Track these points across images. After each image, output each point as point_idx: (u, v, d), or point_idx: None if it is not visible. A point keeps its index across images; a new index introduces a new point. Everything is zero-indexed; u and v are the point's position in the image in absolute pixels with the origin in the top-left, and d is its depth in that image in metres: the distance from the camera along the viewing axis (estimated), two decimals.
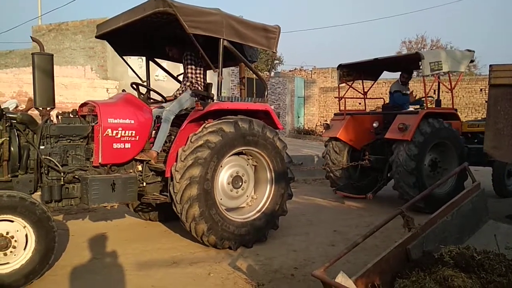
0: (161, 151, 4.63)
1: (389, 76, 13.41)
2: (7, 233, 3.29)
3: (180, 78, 5.57)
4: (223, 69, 4.64)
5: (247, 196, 4.88)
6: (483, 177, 5.97)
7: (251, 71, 5.76)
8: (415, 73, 12.15)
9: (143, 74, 5.54)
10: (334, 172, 7.67)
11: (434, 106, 7.51)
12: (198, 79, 5.09)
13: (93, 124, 4.23)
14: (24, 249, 3.36)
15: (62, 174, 4.01)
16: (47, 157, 3.97)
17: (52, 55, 3.97)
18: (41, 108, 3.98)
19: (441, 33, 69.96)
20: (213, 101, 4.61)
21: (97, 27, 5.11)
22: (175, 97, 4.98)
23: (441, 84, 7.39)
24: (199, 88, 5.07)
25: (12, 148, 3.72)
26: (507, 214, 5.78)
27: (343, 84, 8.18)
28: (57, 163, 3.99)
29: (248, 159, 4.83)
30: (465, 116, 17.45)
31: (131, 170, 4.51)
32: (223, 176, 4.62)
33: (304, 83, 23.87)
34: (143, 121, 4.50)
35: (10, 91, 11.72)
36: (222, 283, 3.57)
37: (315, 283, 3.07)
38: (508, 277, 2.37)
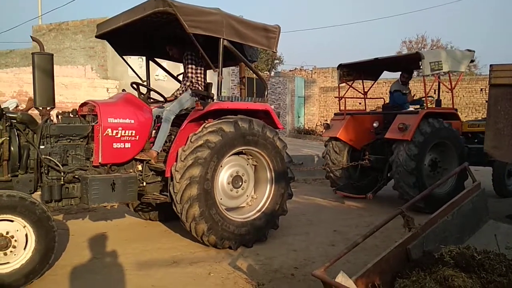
0: (161, 151, 4.64)
1: (389, 76, 13.42)
2: (7, 232, 3.29)
3: (180, 77, 5.57)
4: (223, 68, 4.63)
5: (247, 195, 4.88)
6: (483, 177, 5.97)
7: (251, 71, 5.75)
8: (415, 73, 12.14)
9: (143, 73, 5.54)
10: (334, 172, 7.67)
11: (434, 106, 7.51)
12: (198, 78, 5.09)
13: (93, 123, 4.23)
14: (24, 248, 3.36)
15: (62, 173, 4.01)
16: (47, 156, 3.97)
17: (52, 54, 3.96)
18: (41, 108, 3.97)
19: (441, 33, 69.92)
20: (213, 100, 4.61)
21: (97, 27, 5.11)
22: (175, 97, 4.98)
23: (441, 84, 7.38)
24: (199, 87, 5.06)
25: (12, 148, 3.72)
26: (507, 214, 5.78)
27: (343, 84, 8.17)
28: (57, 163, 3.99)
29: (248, 159, 4.83)
30: (465, 116, 17.45)
31: (131, 170, 4.51)
32: (223, 176, 4.63)
33: (304, 83, 23.86)
34: (143, 121, 4.50)
35: (10, 90, 11.70)
36: (222, 283, 3.57)
37: (315, 283, 3.07)
38: (508, 277, 2.37)
